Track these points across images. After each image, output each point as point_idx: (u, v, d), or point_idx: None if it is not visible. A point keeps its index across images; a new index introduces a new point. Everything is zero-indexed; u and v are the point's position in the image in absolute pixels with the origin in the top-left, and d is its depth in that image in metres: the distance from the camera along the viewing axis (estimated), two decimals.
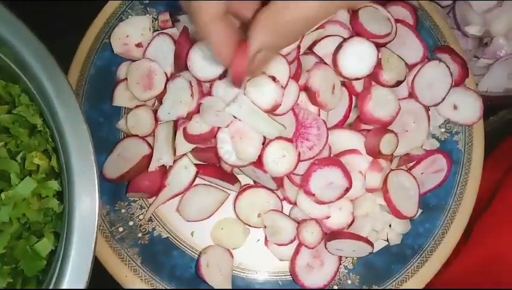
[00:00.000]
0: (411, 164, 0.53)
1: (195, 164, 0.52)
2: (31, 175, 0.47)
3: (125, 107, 0.55)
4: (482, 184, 0.54)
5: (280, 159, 0.47)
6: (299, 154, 0.48)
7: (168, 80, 0.53)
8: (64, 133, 0.44)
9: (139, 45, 0.55)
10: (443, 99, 0.52)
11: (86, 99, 0.55)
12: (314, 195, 0.48)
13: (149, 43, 0.55)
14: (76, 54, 0.55)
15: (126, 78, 0.54)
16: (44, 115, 0.47)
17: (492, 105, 0.60)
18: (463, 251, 0.55)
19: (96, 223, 0.41)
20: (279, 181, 0.51)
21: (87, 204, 0.42)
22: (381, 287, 0.51)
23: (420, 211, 0.53)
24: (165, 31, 0.55)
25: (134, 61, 0.55)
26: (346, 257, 0.52)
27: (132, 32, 0.55)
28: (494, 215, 0.55)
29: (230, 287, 0.50)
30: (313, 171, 0.48)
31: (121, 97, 0.55)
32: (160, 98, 0.54)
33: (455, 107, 0.54)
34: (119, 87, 0.55)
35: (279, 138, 0.47)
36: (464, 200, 0.53)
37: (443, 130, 0.56)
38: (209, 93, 0.49)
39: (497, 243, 0.54)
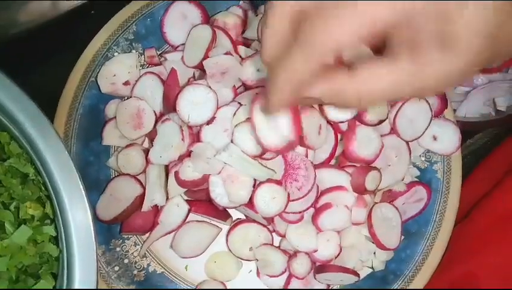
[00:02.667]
0: None
1: (187, 200, 0.54)
2: (25, 223, 0.47)
3: (114, 146, 0.56)
4: (466, 197, 0.57)
5: (271, 200, 0.49)
6: (288, 196, 0.50)
7: (157, 118, 0.54)
8: (55, 182, 0.45)
9: (126, 83, 0.56)
10: (423, 133, 0.55)
11: (76, 139, 0.55)
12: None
13: (136, 81, 0.55)
14: (63, 93, 0.55)
15: (115, 117, 0.55)
16: (35, 164, 0.47)
17: (468, 129, 0.63)
18: (440, 265, 0.58)
19: (95, 266, 0.42)
20: (269, 219, 0.53)
21: (85, 249, 0.43)
22: None
23: (402, 237, 0.56)
24: (152, 69, 0.56)
25: (123, 98, 0.56)
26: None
27: (119, 71, 0.55)
28: (475, 231, 0.58)
29: None
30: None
31: (111, 136, 0.55)
32: (150, 137, 0.54)
33: (435, 138, 0.57)
34: (108, 126, 0.55)
35: (269, 180, 0.49)
36: (442, 228, 0.57)
37: (423, 158, 0.59)
38: (198, 137, 0.51)
39: (473, 262, 0.57)
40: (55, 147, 0.45)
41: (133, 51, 0.57)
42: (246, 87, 0.52)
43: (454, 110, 0.63)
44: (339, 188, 0.52)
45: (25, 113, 0.44)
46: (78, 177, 0.44)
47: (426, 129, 0.55)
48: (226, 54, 0.52)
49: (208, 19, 0.57)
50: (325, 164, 0.52)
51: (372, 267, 0.56)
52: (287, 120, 0.44)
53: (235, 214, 0.55)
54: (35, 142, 0.45)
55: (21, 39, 0.54)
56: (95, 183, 0.55)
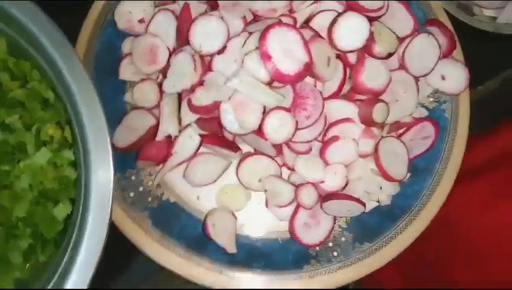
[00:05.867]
0: (401, 131, 0.57)
1: (199, 134, 0.56)
2: (45, 145, 0.50)
3: (130, 81, 0.58)
4: None
5: (279, 127, 0.51)
6: (296, 123, 0.51)
7: (171, 54, 0.56)
8: (77, 108, 0.46)
9: (141, 21, 0.58)
10: (432, 70, 0.56)
11: (93, 75, 0.57)
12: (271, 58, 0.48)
13: (151, 19, 0.57)
14: (81, 31, 0.58)
15: (130, 53, 0.57)
16: (56, 90, 0.49)
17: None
18: None
19: (111, 189, 0.44)
20: (278, 148, 0.54)
21: (102, 172, 0.45)
22: (373, 243, 0.56)
23: (409, 174, 0.57)
24: (166, 6, 0.57)
25: (138, 36, 0.58)
26: (341, 217, 0.57)
27: (134, 9, 0.58)
28: None
29: (234, 245, 0.55)
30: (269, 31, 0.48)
31: (126, 71, 0.58)
32: (164, 71, 0.56)
33: (443, 78, 0.58)
34: (124, 61, 0.58)
35: (278, 108, 0.51)
36: (450, 164, 0.57)
37: (431, 99, 0.60)
38: (210, 67, 0.52)
39: None
40: (79, 76, 0.46)
41: None
42: (256, 19, 0.54)
43: (495, 18, 0.63)
44: (347, 120, 0.53)
45: (51, 40, 0.46)
46: (100, 105, 0.46)
47: (435, 65, 0.55)
48: None
49: None
50: (333, 96, 0.54)
51: (378, 201, 0.57)
52: (301, 45, 0.45)
53: (245, 148, 0.57)
54: (61, 71, 0.46)
55: None
56: (113, 117, 0.57)
